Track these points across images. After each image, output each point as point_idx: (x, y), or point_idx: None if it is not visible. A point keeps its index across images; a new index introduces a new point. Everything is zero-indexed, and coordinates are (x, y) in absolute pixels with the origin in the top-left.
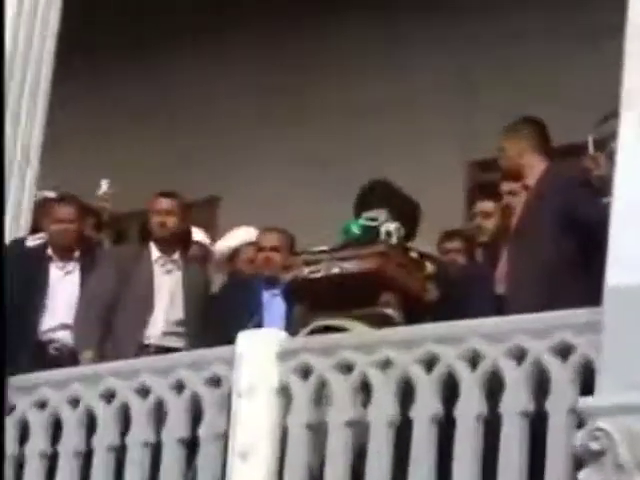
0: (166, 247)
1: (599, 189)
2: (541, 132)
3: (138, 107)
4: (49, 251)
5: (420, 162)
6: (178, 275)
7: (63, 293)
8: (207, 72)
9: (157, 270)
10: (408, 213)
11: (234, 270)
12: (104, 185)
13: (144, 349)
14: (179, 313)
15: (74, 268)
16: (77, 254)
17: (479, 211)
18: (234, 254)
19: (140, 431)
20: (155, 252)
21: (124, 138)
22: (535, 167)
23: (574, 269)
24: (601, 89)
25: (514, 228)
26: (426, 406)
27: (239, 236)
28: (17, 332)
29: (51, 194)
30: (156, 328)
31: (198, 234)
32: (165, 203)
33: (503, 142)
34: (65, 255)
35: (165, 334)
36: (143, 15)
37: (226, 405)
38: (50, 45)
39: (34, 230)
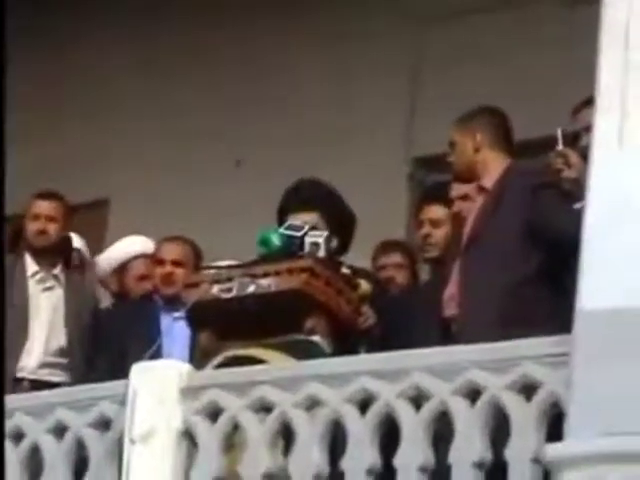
0: (45, 259)
1: (569, 192)
2: (501, 124)
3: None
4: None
5: (352, 159)
6: (59, 293)
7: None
8: (93, 60)
9: (33, 287)
10: (341, 220)
11: (122, 288)
12: None
13: (17, 384)
14: (60, 340)
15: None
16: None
17: (426, 218)
18: (122, 269)
19: None
20: (31, 265)
21: None
22: (493, 166)
23: (539, 290)
24: (568, 74)
25: (467, 239)
26: (360, 455)
27: (127, 246)
28: None
29: None
30: (32, 358)
31: (76, 240)
32: (45, 207)
33: (455, 135)
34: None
35: (43, 366)
36: None
37: (117, 453)
38: None
39: None
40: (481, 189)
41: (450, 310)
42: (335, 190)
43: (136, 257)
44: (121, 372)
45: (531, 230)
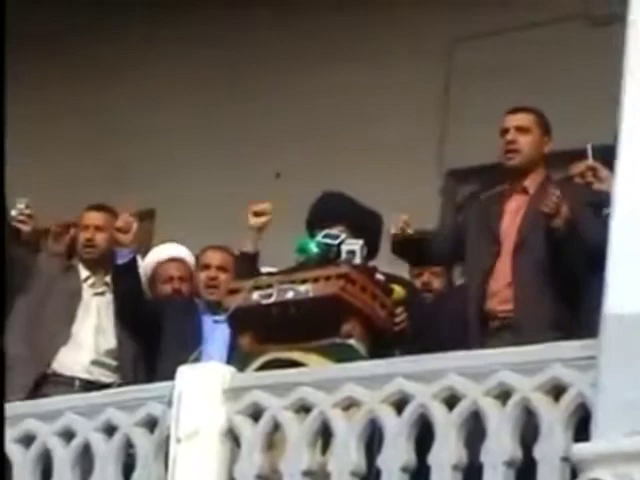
0: (96, 267)
1: (601, 204)
2: (549, 129)
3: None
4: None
5: (387, 173)
6: (109, 298)
7: None
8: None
9: (86, 291)
10: (370, 228)
11: (154, 292)
12: (20, 205)
13: (68, 384)
14: (110, 342)
15: None
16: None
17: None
18: (154, 273)
19: None
20: (83, 271)
21: (48, 147)
22: (538, 170)
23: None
24: (596, 90)
25: (515, 240)
26: (397, 453)
27: (158, 252)
28: None
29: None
30: (82, 355)
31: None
32: (94, 217)
33: (528, 122)
34: None
35: (94, 363)
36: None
37: (163, 451)
38: None
39: None
40: (523, 190)
41: (493, 305)
42: (359, 201)
43: (167, 261)
44: (168, 374)
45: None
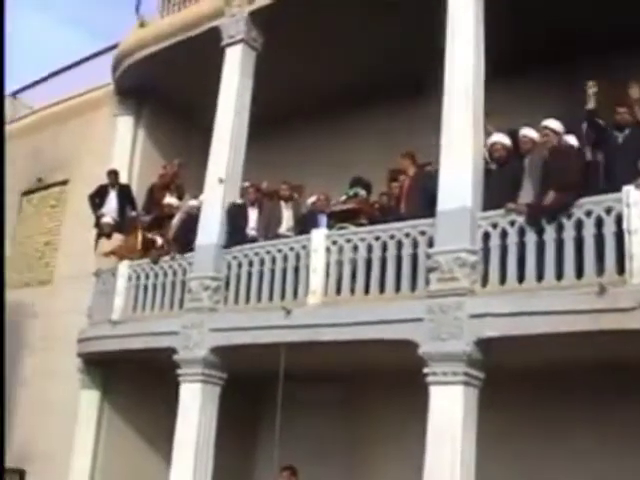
0: (286, 202)
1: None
2: (415, 160)
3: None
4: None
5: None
6: (290, 213)
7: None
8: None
9: (283, 206)
10: (369, 188)
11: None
12: (265, 184)
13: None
14: (290, 224)
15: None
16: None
17: (395, 185)
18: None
19: None
20: (283, 203)
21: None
22: (411, 170)
23: (426, 205)
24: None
25: (406, 191)
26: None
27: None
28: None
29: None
30: (283, 229)
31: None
32: (284, 188)
33: (402, 159)
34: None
35: (286, 232)
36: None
37: None
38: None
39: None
40: (407, 175)
41: (403, 208)
42: (364, 178)
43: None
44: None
45: (427, 190)
